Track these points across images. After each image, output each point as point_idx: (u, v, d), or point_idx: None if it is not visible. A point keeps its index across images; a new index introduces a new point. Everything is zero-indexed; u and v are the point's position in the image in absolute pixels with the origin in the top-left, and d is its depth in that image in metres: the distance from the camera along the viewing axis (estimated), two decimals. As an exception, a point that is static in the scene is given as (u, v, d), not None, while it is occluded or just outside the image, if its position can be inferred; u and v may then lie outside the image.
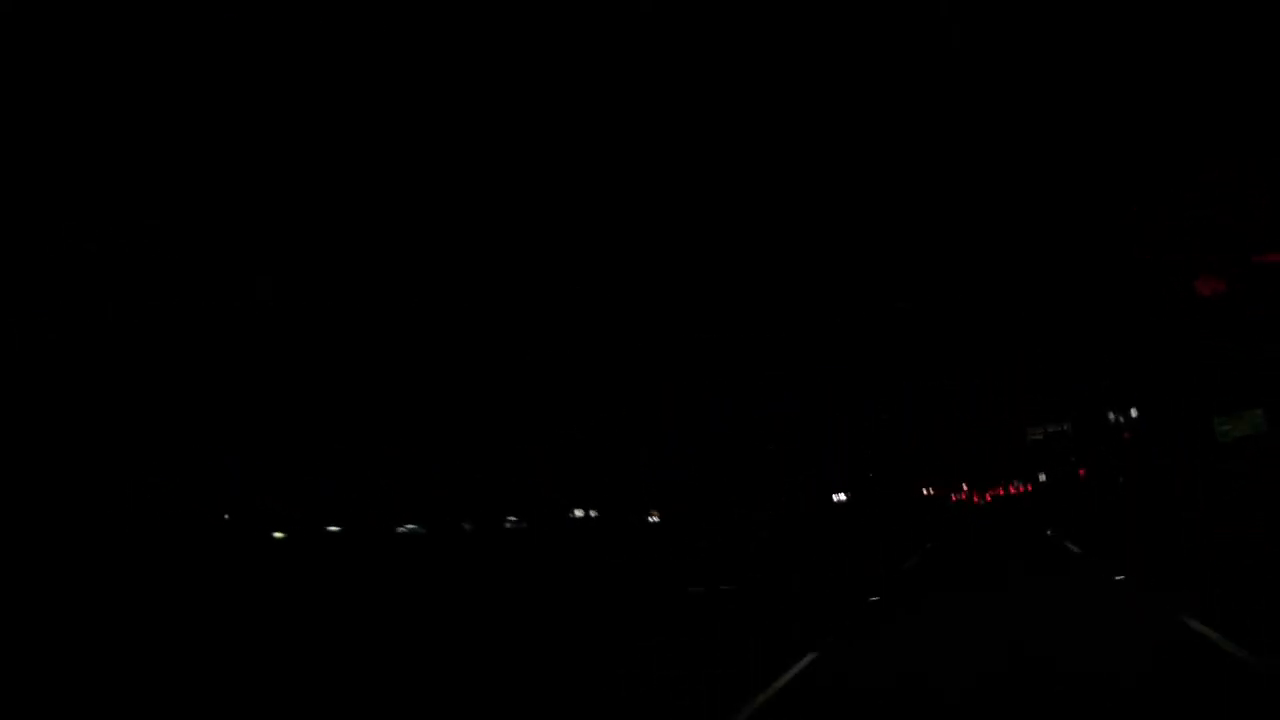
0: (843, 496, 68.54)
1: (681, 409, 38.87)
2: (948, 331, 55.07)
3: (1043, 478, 74.81)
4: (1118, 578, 13.13)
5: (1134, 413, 56.15)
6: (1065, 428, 60.59)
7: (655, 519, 36.14)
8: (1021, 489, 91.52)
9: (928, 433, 71.59)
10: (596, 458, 34.56)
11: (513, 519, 29.20)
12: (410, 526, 25.57)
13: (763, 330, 43.93)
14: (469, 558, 24.35)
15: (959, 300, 50.83)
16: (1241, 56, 21.30)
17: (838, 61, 28.86)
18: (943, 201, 38.66)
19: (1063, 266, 40.49)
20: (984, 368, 58.54)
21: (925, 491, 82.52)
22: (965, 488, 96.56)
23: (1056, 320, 48.53)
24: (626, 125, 30.86)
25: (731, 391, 43.25)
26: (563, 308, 34.03)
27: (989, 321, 53.21)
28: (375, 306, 28.54)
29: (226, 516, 24.30)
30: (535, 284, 32.80)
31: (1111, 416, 61.13)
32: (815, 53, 28.62)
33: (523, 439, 31.68)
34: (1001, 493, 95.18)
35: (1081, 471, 70.84)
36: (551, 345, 33.58)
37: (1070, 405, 57.65)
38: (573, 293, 34.35)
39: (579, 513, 33.94)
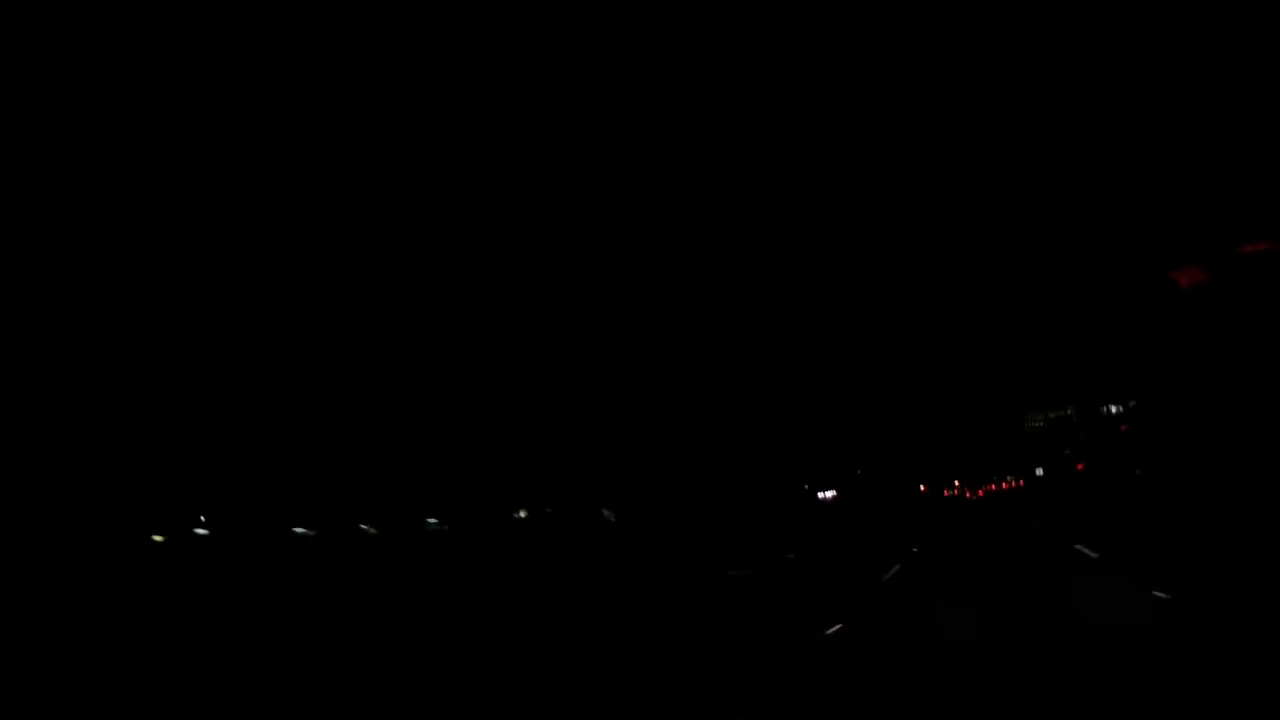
0: (829, 494, 65.30)
1: (641, 397, 35.12)
2: (940, 316, 52.13)
3: (1039, 472, 70.65)
4: None
5: (1132, 403, 52.66)
6: (1069, 412, 56.60)
7: (610, 516, 32.20)
8: (1014, 484, 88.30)
9: (918, 424, 67.96)
10: (543, 451, 30.64)
11: (433, 520, 25.08)
12: (300, 529, 21.46)
13: (740, 317, 40.85)
14: (366, 566, 20.25)
15: (951, 284, 48.12)
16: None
17: (836, 60, 27.59)
18: (931, 189, 36.33)
19: (1063, 241, 38.33)
20: (979, 354, 55.07)
21: (920, 488, 79.26)
22: (956, 484, 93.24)
23: (1055, 302, 46.04)
24: (593, 119, 28.96)
25: (702, 379, 39.65)
26: (512, 290, 30.87)
27: (984, 306, 50.41)
28: (282, 292, 25.49)
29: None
30: (482, 270, 29.88)
31: (1113, 409, 57.47)
32: (812, 51, 27.24)
33: (454, 430, 27.88)
34: (994, 489, 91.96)
35: (1080, 466, 67.22)
36: (495, 328, 30.18)
37: (1072, 391, 54.15)
38: (523, 275, 31.30)
39: (523, 513, 29.91)
